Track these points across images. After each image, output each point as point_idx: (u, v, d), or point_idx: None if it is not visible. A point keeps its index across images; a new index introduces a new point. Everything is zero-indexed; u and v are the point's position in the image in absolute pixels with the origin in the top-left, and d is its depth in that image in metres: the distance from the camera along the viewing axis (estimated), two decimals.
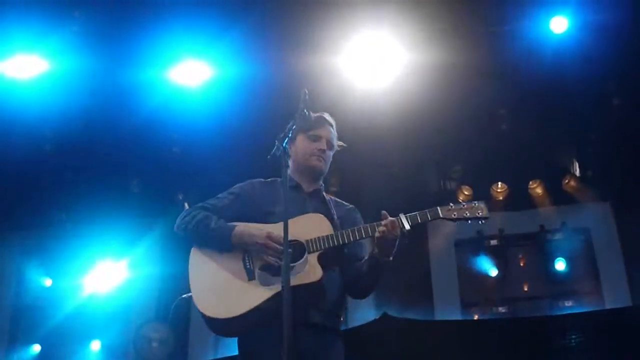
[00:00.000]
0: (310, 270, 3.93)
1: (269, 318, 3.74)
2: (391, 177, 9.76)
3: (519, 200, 11.42)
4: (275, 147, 3.80)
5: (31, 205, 11.32)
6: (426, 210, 4.09)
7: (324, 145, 4.42)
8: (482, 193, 11.40)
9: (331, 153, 4.53)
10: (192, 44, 8.49)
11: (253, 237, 4.05)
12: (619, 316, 9.30)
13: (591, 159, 10.76)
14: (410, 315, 9.38)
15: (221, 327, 4.06)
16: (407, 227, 3.98)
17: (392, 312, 8.94)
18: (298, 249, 3.97)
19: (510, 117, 9.83)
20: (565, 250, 11.18)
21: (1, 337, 11.98)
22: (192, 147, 10.04)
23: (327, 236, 4.03)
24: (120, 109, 9.12)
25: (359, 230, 4.04)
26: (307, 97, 4.04)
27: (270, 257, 3.97)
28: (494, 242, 11.55)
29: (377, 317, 8.92)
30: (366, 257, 4.17)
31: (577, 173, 11.04)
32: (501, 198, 11.44)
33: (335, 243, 4.02)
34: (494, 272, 11.37)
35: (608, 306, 10.52)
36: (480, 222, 4.15)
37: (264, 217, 4.20)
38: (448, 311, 11.20)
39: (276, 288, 3.85)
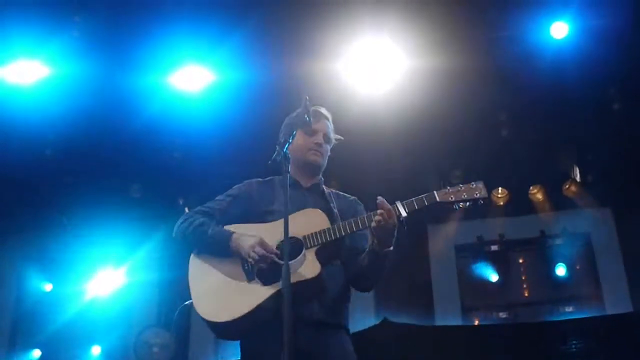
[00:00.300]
0: (308, 267, 3.89)
1: (270, 317, 3.74)
2: (391, 182, 9.76)
3: (519, 205, 11.42)
4: (276, 153, 3.81)
5: (32, 210, 11.33)
6: (422, 195, 4.03)
7: (320, 139, 4.41)
8: None
9: (329, 146, 4.53)
10: (193, 48, 8.50)
11: (246, 246, 4.02)
12: (619, 322, 9.30)
13: (591, 164, 10.76)
14: (411, 320, 9.37)
15: (224, 330, 4.05)
16: (404, 214, 3.92)
17: (392, 318, 8.95)
18: (295, 246, 3.95)
19: (510, 122, 9.83)
20: (565, 256, 11.18)
21: (1, 341, 11.97)
22: (193, 152, 10.05)
23: (323, 230, 3.99)
24: (121, 114, 9.12)
25: (355, 222, 3.99)
26: (308, 103, 4.05)
27: (262, 265, 3.96)
28: (494, 247, 11.55)
29: (377, 323, 8.93)
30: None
31: (578, 178, 11.04)
32: (501, 203, 11.43)
33: (332, 237, 3.98)
34: (494, 277, 11.37)
35: (609, 312, 10.52)
36: (479, 202, 4.08)
37: (263, 217, 4.21)
38: (448, 317, 11.19)
39: (275, 287, 3.85)
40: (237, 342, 4.17)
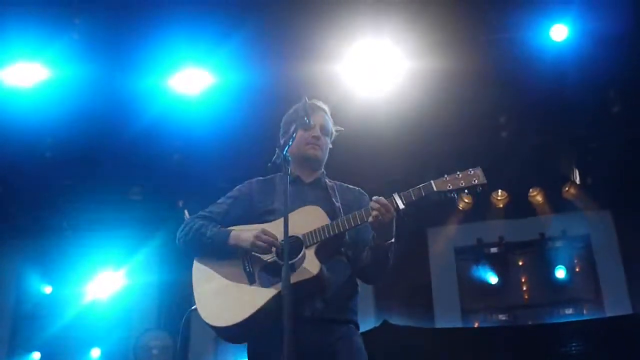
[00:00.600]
0: (308, 265, 3.87)
1: (273, 319, 3.69)
2: (391, 183, 9.76)
3: (519, 207, 11.42)
4: (276, 155, 3.81)
5: (32, 212, 11.33)
6: (420, 185, 3.95)
7: (317, 132, 4.37)
8: (482, 201, 11.42)
9: (328, 139, 4.50)
10: (192, 51, 8.50)
11: (247, 236, 4.03)
12: (619, 324, 9.31)
13: (591, 166, 10.75)
14: (411, 322, 9.37)
15: (228, 334, 4.05)
16: (402, 206, 3.87)
17: (392, 320, 8.95)
18: (295, 245, 3.92)
19: (510, 124, 9.83)
20: (565, 258, 11.19)
21: (1, 344, 11.98)
22: (193, 155, 10.05)
23: (322, 228, 3.96)
24: (121, 117, 9.12)
25: (354, 217, 3.95)
26: (307, 104, 4.05)
27: (266, 255, 3.98)
28: (494, 249, 11.55)
29: (377, 325, 8.93)
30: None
31: (577, 181, 11.03)
32: (501, 206, 11.45)
33: (331, 233, 3.95)
34: (494, 279, 11.37)
35: (608, 314, 10.52)
36: (477, 189, 3.98)
37: (263, 216, 4.20)
38: (448, 319, 11.19)
39: (277, 288, 3.84)
40: (237, 344, 4.17)
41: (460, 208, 11.59)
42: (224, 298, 4.04)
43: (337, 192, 4.36)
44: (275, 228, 3.98)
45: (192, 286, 4.17)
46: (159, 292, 12.02)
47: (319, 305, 3.96)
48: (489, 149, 10.12)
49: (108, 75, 8.55)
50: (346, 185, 4.49)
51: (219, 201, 4.47)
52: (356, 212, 3.97)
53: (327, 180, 4.47)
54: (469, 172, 4.00)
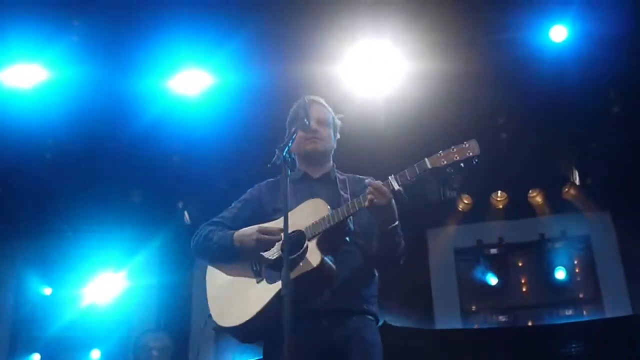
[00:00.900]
0: (309, 257, 3.87)
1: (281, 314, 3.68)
2: None
3: (518, 208, 11.42)
4: (276, 156, 3.81)
5: (31, 214, 11.32)
6: (414, 164, 3.91)
7: (314, 126, 4.35)
8: (481, 202, 11.42)
9: (328, 129, 4.50)
10: (191, 52, 8.49)
11: (248, 236, 4.07)
12: (619, 325, 9.30)
13: (591, 167, 10.76)
14: (411, 324, 9.37)
15: (240, 333, 4.09)
16: (397, 187, 3.84)
17: (392, 321, 8.95)
18: (298, 238, 3.93)
19: (510, 125, 9.83)
20: (565, 259, 11.19)
21: (1, 346, 11.96)
22: (193, 156, 10.04)
23: (321, 219, 3.96)
24: (120, 118, 9.12)
25: (352, 204, 3.93)
26: (306, 104, 4.05)
27: (271, 252, 4.00)
28: (493, 250, 11.55)
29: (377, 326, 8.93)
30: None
31: (577, 182, 11.04)
32: (501, 207, 11.45)
33: (330, 224, 3.93)
34: (493, 280, 11.36)
35: (608, 315, 10.52)
36: (473, 161, 3.91)
37: (271, 215, 4.21)
38: (448, 320, 11.19)
39: (279, 283, 3.82)
40: (237, 347, 4.19)
41: (460, 209, 11.59)
42: (232, 299, 4.08)
43: (347, 184, 4.36)
44: (278, 225, 3.99)
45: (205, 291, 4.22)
46: (159, 294, 12.01)
47: (327, 296, 3.94)
48: (488, 149, 10.00)
49: (108, 77, 8.54)
50: (359, 176, 4.44)
51: (231, 205, 4.50)
52: (354, 199, 3.96)
53: (337, 174, 4.46)
54: (463, 145, 3.94)
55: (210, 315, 4.18)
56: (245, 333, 4.07)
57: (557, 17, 8.08)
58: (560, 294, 11.30)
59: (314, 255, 3.86)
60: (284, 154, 3.80)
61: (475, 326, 11.54)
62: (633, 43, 8.17)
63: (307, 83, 8.00)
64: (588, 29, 8.05)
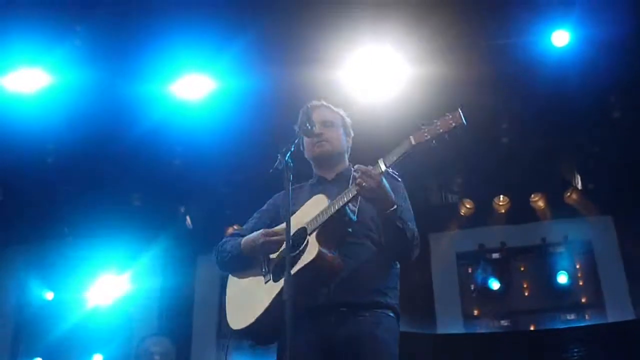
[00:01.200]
0: (308, 251, 3.86)
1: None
2: None
3: (520, 213, 11.40)
4: (278, 161, 3.81)
5: (33, 218, 11.33)
6: (399, 143, 3.88)
7: (318, 129, 4.33)
8: (483, 206, 11.42)
9: (336, 130, 4.50)
10: (194, 57, 8.51)
11: (254, 240, 4.13)
12: (621, 329, 9.30)
13: (593, 172, 10.75)
14: (412, 328, 9.36)
15: (252, 336, 4.12)
16: (384, 168, 3.83)
17: None
18: (300, 236, 3.95)
19: (512, 130, 9.83)
20: (567, 263, 11.16)
21: (3, 350, 11.97)
22: (194, 160, 10.05)
23: (320, 212, 3.97)
24: (123, 123, 9.12)
25: (345, 194, 3.91)
26: (309, 111, 4.05)
27: (277, 253, 4.04)
28: (495, 255, 11.52)
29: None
30: None
31: (579, 186, 11.03)
32: (503, 211, 11.44)
33: (327, 216, 3.92)
34: (495, 285, 11.34)
35: (610, 319, 10.50)
36: (457, 132, 3.89)
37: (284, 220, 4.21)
38: (450, 324, 11.17)
39: (283, 281, 3.83)
40: (238, 350, 4.20)
41: (462, 213, 11.59)
42: (242, 302, 4.13)
43: None
44: (284, 226, 4.02)
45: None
46: (161, 298, 12.01)
47: (334, 290, 3.92)
48: (490, 154, 10.12)
49: (109, 81, 8.56)
50: (399, 178, 4.37)
51: (253, 215, 4.57)
52: (346, 190, 3.95)
53: (353, 172, 4.42)
54: (446, 117, 3.92)
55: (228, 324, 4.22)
56: (255, 334, 4.08)
57: (559, 22, 8.08)
58: (562, 299, 11.27)
59: (312, 248, 3.85)
60: (286, 159, 3.80)
61: (477, 331, 11.52)
62: (635, 47, 8.17)
63: (309, 88, 7.99)
64: (590, 33, 8.05)
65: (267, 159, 4.03)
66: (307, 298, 3.70)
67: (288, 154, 3.83)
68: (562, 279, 11.07)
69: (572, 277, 11.16)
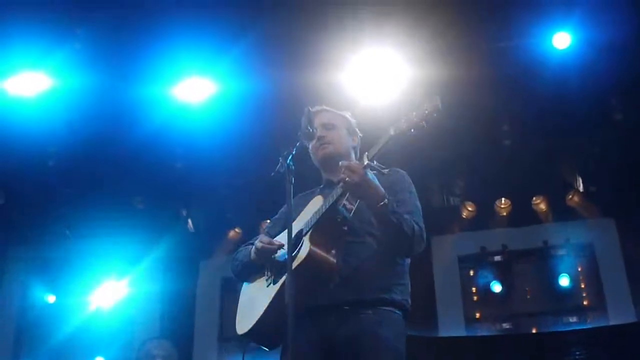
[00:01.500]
0: (301, 251, 3.85)
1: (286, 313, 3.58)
2: None
3: (522, 216, 11.40)
4: (279, 164, 3.80)
5: (35, 221, 11.33)
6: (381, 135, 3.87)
7: (320, 132, 4.32)
8: (485, 209, 11.41)
9: (338, 131, 4.47)
10: (195, 60, 8.51)
11: (255, 248, 4.15)
12: (623, 332, 9.29)
13: (595, 174, 10.75)
14: (414, 331, 9.34)
15: (256, 339, 4.11)
16: (366, 161, 3.82)
17: None
18: (298, 237, 3.95)
19: (513, 132, 9.83)
20: (569, 266, 11.14)
21: (5, 353, 11.96)
22: (196, 164, 10.05)
23: (313, 213, 4.00)
24: (124, 126, 9.13)
25: (335, 192, 3.91)
26: (311, 114, 4.05)
27: (276, 256, 4.07)
28: (497, 257, 11.50)
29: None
30: None
31: (581, 189, 11.03)
32: (505, 214, 11.43)
33: (318, 216, 3.93)
34: (497, 287, 11.32)
35: (612, 322, 10.48)
36: (433, 115, 3.80)
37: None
38: (452, 327, 11.16)
39: (280, 282, 3.89)
40: (239, 354, 4.20)
41: (464, 216, 11.58)
42: (247, 308, 4.17)
43: None
44: (284, 234, 4.04)
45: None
46: (162, 301, 12.01)
47: (335, 289, 3.90)
48: (492, 157, 10.12)
49: (111, 84, 8.57)
50: (385, 170, 4.23)
51: (267, 225, 4.67)
52: (334, 190, 3.95)
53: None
54: (422, 105, 3.85)
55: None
56: (258, 337, 4.08)
57: (561, 24, 8.08)
58: (564, 301, 11.24)
59: (304, 248, 3.85)
60: (288, 162, 3.79)
61: (479, 333, 11.50)
62: (636, 49, 8.17)
63: (310, 91, 8.01)
64: (591, 36, 8.06)
65: (269, 162, 4.03)
66: (307, 298, 3.70)
67: (290, 157, 3.81)
68: (564, 281, 11.05)
69: (574, 279, 11.14)
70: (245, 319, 4.09)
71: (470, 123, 9.30)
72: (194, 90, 8.76)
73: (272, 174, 3.85)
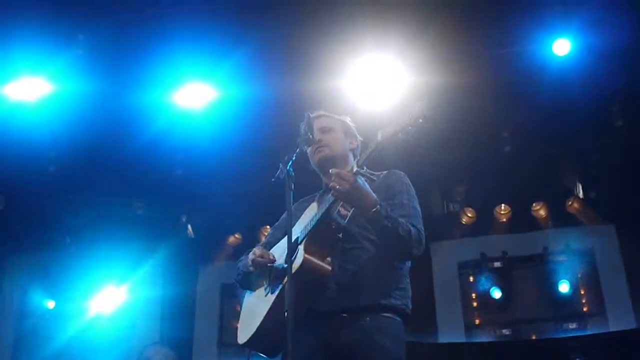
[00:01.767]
0: (296, 260, 3.83)
1: (284, 321, 3.57)
2: None
3: (522, 222, 11.40)
4: (279, 171, 3.80)
5: (35, 227, 11.33)
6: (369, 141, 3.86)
7: (317, 136, 4.25)
8: (485, 215, 11.41)
9: (335, 134, 4.45)
10: (196, 66, 8.52)
11: (249, 261, 4.15)
12: (623, 338, 9.29)
13: (594, 180, 10.75)
14: (414, 337, 9.33)
15: (256, 348, 4.11)
16: (355, 168, 3.82)
17: None
18: (295, 245, 3.93)
19: (513, 139, 9.84)
20: (569, 273, 11.13)
21: (4, 359, 11.94)
22: (196, 170, 10.06)
23: (308, 221, 3.99)
24: (125, 131, 9.14)
25: (327, 200, 3.89)
26: (310, 120, 4.04)
27: (274, 264, 4.06)
28: (497, 264, 11.49)
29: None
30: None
31: (581, 195, 11.03)
32: (504, 220, 11.43)
33: (311, 225, 3.93)
34: (497, 294, 11.32)
35: (612, 328, 10.47)
36: (419, 121, 3.70)
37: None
38: (452, 334, 11.14)
39: (278, 291, 3.89)
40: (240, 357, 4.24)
41: (464, 222, 11.58)
42: (247, 318, 4.18)
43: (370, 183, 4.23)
44: (283, 241, 4.09)
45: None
46: (162, 307, 12.00)
47: (333, 296, 3.89)
48: (492, 163, 10.12)
49: (111, 90, 8.57)
50: (383, 173, 4.33)
51: (268, 233, 4.64)
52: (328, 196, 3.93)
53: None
54: (410, 110, 3.79)
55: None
56: (258, 346, 4.09)
57: (560, 30, 8.10)
58: (564, 308, 11.23)
59: (299, 257, 3.84)
60: (288, 168, 3.78)
61: (479, 340, 11.49)
62: (636, 56, 8.18)
63: (311, 97, 8.01)
64: (591, 42, 8.07)
65: (269, 168, 4.03)
66: (304, 305, 3.70)
67: (290, 163, 3.80)
68: (564, 287, 11.04)
69: (574, 286, 11.13)
70: (245, 328, 4.10)
71: (470, 129, 9.31)
72: (195, 96, 8.77)
73: (272, 180, 3.85)
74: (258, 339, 3.99)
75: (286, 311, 3.40)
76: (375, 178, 4.01)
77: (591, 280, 11.32)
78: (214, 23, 7.93)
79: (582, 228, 11.28)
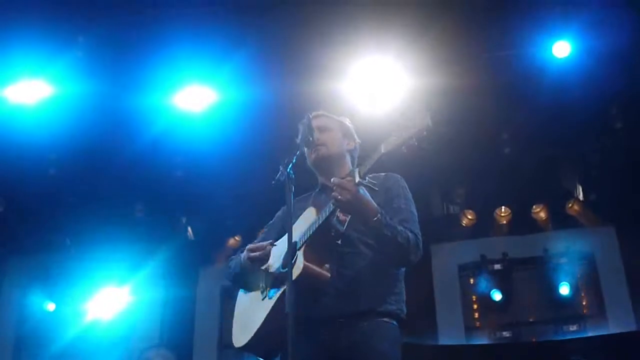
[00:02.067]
0: (296, 267, 3.80)
1: (283, 327, 3.55)
2: None
3: (522, 224, 11.40)
4: (280, 173, 3.79)
5: (35, 230, 11.33)
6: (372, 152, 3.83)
7: (315, 135, 4.21)
8: (485, 217, 11.41)
9: (332, 133, 4.43)
10: (195, 68, 8.52)
11: (244, 258, 4.14)
12: (623, 340, 9.28)
13: (594, 182, 10.76)
14: (414, 339, 9.33)
15: (254, 352, 4.11)
16: (358, 179, 3.76)
17: None
18: (293, 250, 3.86)
19: (513, 141, 9.84)
20: (569, 275, 11.12)
21: None
22: (196, 172, 10.06)
23: (307, 227, 3.95)
24: (125, 134, 9.15)
25: (327, 209, 3.86)
26: (310, 122, 4.03)
27: (270, 267, 4.03)
28: (497, 266, 11.48)
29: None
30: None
31: (581, 197, 11.04)
32: (505, 222, 11.44)
33: (311, 231, 3.90)
34: (497, 296, 11.32)
35: (612, 330, 10.47)
36: (422, 134, 3.70)
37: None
38: (452, 336, 11.14)
39: (277, 296, 3.86)
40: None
41: (464, 224, 11.59)
42: (243, 320, 4.15)
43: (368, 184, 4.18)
44: (281, 242, 4.05)
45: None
46: (162, 309, 12.00)
47: (329, 302, 3.88)
48: (492, 165, 10.13)
49: (111, 92, 8.58)
50: (381, 175, 4.30)
51: (261, 231, 4.63)
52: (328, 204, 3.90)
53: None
54: (412, 121, 3.76)
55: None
56: (256, 350, 4.09)
57: (560, 33, 8.10)
58: (564, 310, 11.24)
59: (299, 264, 3.81)
60: (288, 170, 3.77)
61: (479, 342, 11.48)
62: (636, 58, 8.18)
63: (311, 99, 8.00)
64: (591, 44, 8.08)
65: (269, 170, 4.02)
66: (302, 311, 3.68)
67: (290, 166, 3.79)
68: (564, 290, 11.04)
69: (574, 288, 11.13)
70: (242, 331, 4.07)
71: (471, 131, 9.31)
72: (195, 98, 8.77)
73: (273, 182, 3.84)
74: (256, 343, 3.97)
75: (286, 313, 3.40)
76: (377, 188, 4.01)
77: (591, 282, 11.32)
78: (214, 25, 7.93)
79: (582, 230, 11.29)
